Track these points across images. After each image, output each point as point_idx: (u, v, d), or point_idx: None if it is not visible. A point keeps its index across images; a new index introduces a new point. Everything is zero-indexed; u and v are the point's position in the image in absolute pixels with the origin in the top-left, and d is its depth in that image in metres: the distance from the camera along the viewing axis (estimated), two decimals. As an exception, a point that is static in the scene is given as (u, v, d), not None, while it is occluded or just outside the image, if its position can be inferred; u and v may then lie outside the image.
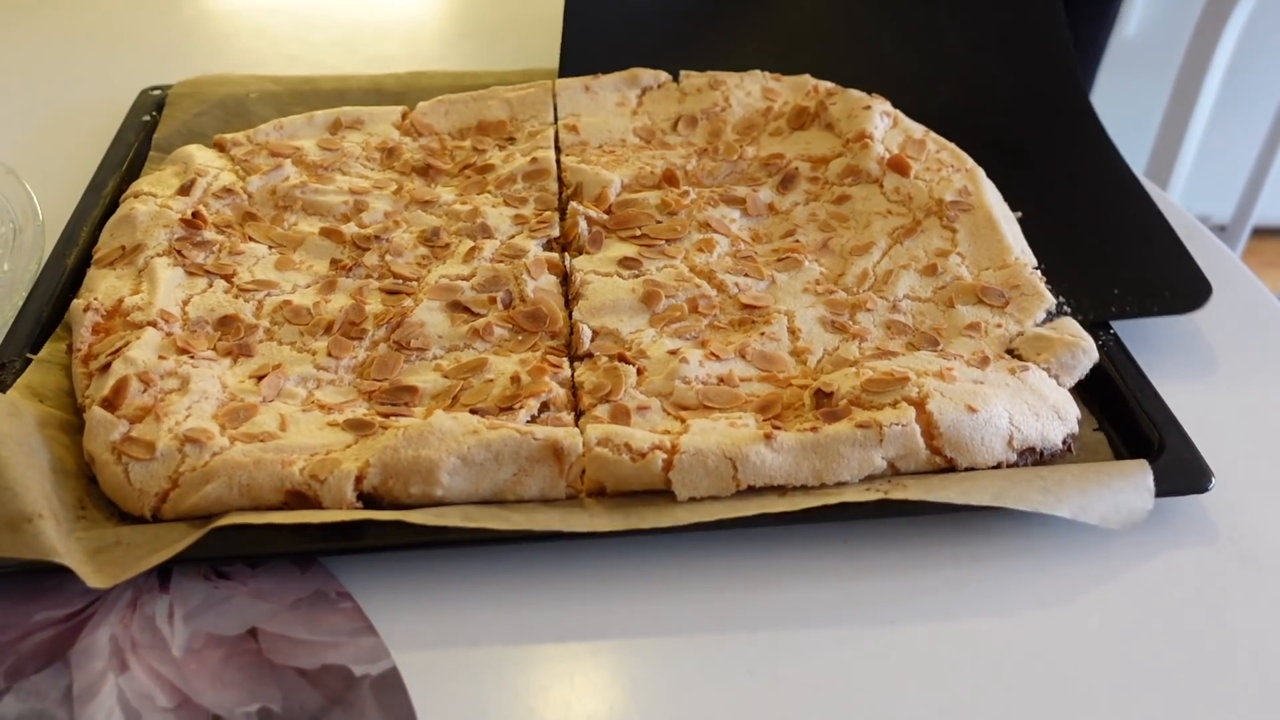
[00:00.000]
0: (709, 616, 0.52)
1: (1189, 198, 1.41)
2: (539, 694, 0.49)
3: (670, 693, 0.49)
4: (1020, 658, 0.50)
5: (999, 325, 0.63)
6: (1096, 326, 0.64)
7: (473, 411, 0.57)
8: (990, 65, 0.86)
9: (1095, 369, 0.61)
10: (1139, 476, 0.54)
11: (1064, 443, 0.57)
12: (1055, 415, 0.57)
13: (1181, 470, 0.56)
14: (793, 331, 0.63)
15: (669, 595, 0.53)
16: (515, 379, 0.59)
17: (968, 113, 0.78)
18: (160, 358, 0.60)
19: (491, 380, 0.60)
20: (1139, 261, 0.69)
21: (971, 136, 0.77)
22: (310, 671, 0.50)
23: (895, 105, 0.79)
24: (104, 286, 0.65)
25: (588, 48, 0.89)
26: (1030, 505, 0.52)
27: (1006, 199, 0.73)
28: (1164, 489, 0.55)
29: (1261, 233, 1.85)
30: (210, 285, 0.66)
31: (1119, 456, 0.58)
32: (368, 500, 0.54)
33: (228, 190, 0.73)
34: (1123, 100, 0.80)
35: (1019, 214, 0.71)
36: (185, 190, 0.72)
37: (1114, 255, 0.70)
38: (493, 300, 0.65)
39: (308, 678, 0.50)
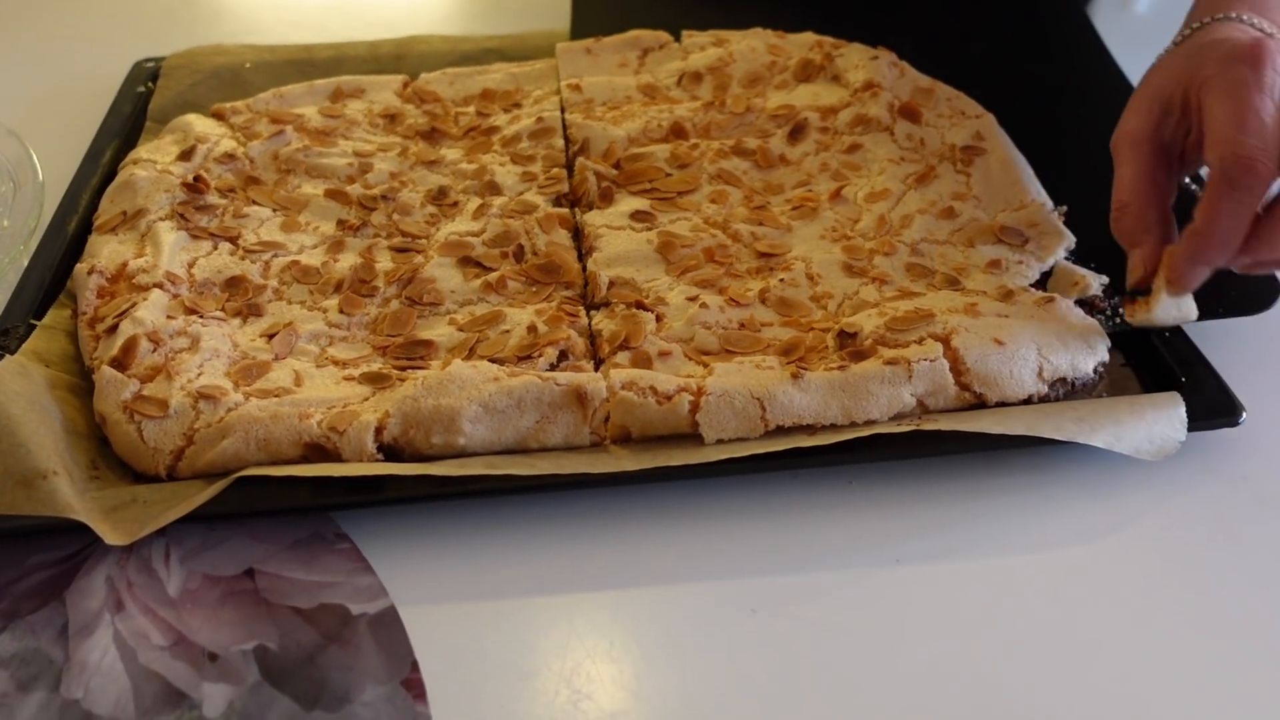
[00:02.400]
0: (712, 558, 0.52)
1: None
2: (539, 632, 0.49)
3: (672, 630, 0.49)
4: (1029, 595, 0.50)
5: (1020, 262, 0.62)
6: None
7: (491, 361, 0.56)
8: (1023, 64, 0.83)
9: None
10: (1172, 407, 0.54)
11: (1095, 371, 0.56)
12: (1084, 344, 0.56)
13: (1212, 403, 0.55)
14: (811, 277, 0.62)
15: (673, 540, 0.52)
16: (532, 329, 0.58)
17: (1006, 106, 0.75)
18: (169, 318, 0.58)
19: (508, 331, 0.59)
20: None
21: (1012, 130, 0.73)
22: (307, 610, 0.49)
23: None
24: (107, 251, 0.64)
25: (598, 12, 0.88)
26: (1065, 435, 0.51)
27: (1050, 192, 0.67)
28: (1195, 423, 0.54)
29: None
30: (215, 248, 0.65)
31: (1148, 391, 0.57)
32: (388, 451, 0.53)
33: (229, 156, 0.72)
34: (1135, 77, 0.79)
35: (1064, 208, 0.66)
36: (186, 156, 0.71)
37: None
38: (505, 254, 0.64)
39: (304, 616, 0.49)
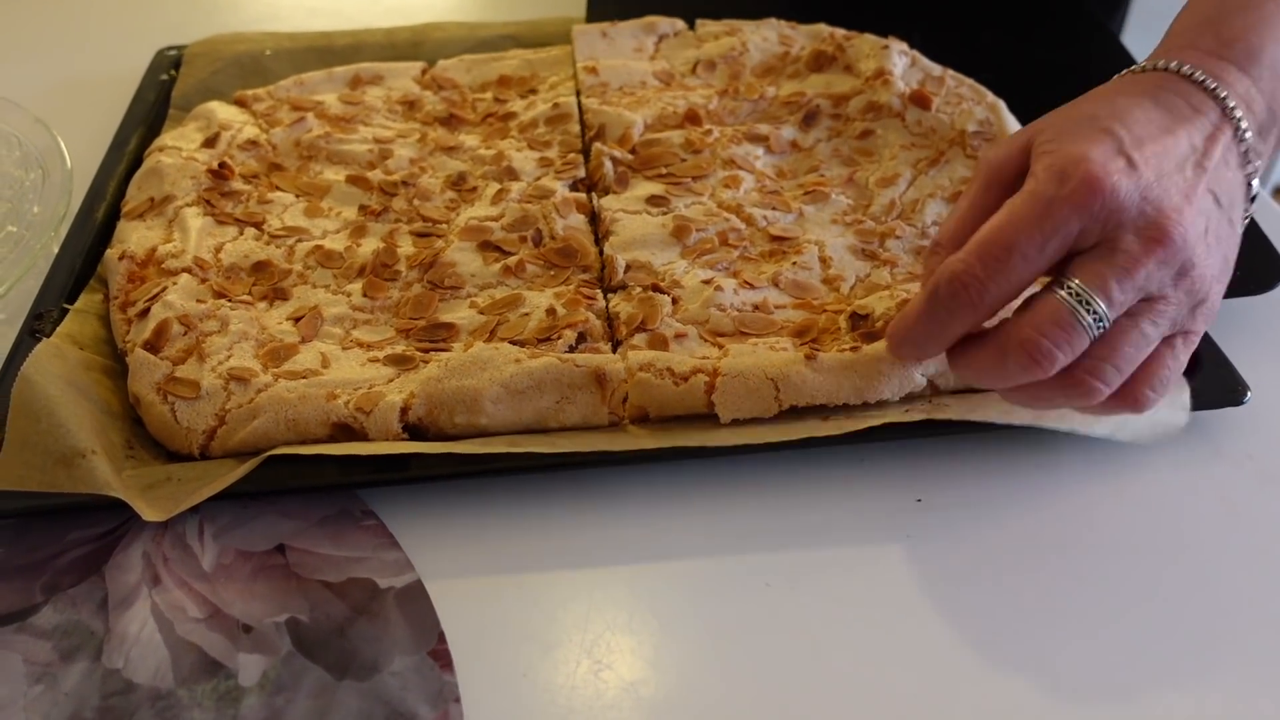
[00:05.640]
0: (727, 534, 0.53)
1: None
2: (561, 605, 0.50)
3: (689, 603, 0.50)
4: (1036, 572, 0.51)
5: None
6: None
7: (512, 344, 0.58)
8: (1033, 51, 0.85)
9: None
10: (1175, 393, 0.55)
11: (1101, 354, 0.57)
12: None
13: (1217, 383, 0.56)
14: (824, 260, 0.63)
15: (689, 515, 0.54)
16: (551, 311, 0.60)
17: (1015, 92, 0.76)
18: (198, 301, 0.60)
19: (527, 314, 0.60)
20: None
21: (1022, 116, 0.73)
22: (336, 584, 0.51)
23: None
24: (135, 237, 0.65)
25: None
26: (1068, 425, 0.53)
27: None
28: (1200, 402, 0.55)
29: (1283, 193, 1.84)
30: (241, 233, 0.67)
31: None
32: (413, 431, 0.55)
33: (252, 143, 0.73)
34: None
35: None
36: (210, 143, 0.72)
37: None
38: (523, 239, 0.65)
39: (334, 590, 0.51)
